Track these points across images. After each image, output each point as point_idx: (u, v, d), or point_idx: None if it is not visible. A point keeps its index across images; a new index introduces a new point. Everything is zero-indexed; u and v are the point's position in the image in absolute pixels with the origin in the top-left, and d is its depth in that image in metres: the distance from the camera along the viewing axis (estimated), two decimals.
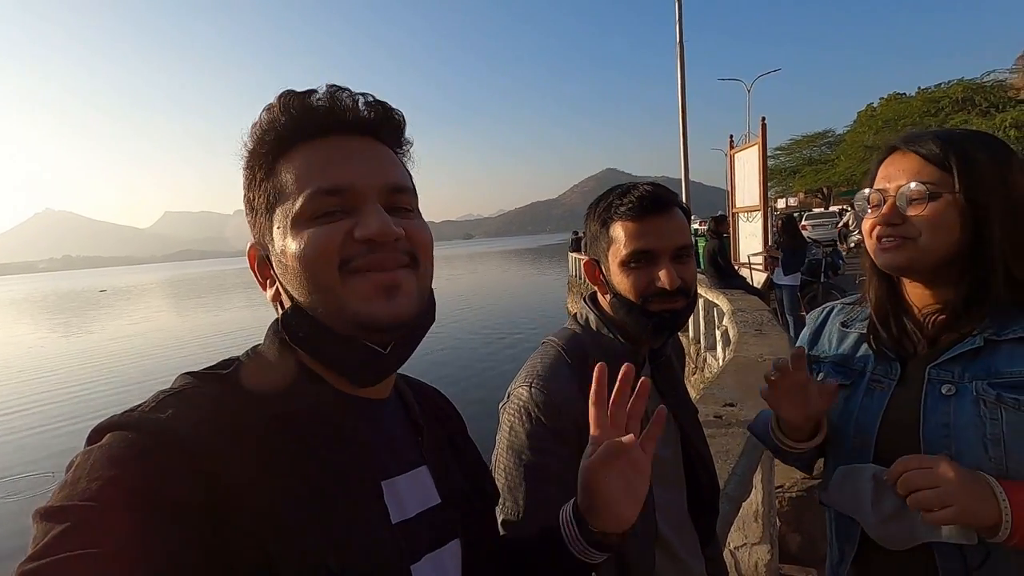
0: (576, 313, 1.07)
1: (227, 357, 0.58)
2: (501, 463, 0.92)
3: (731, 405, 2.66)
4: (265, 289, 0.59)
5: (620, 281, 0.95)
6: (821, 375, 1.07)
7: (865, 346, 1.02)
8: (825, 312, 1.16)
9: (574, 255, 21.63)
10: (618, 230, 0.95)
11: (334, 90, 0.55)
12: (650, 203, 0.93)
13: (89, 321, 33.95)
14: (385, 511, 0.55)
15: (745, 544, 2.43)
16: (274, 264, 0.57)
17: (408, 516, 0.58)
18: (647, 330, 0.95)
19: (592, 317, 1.02)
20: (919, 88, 38.43)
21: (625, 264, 0.94)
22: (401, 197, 0.58)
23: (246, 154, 0.57)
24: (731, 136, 9.61)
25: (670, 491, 1.03)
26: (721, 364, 3.99)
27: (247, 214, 0.59)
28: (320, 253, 0.52)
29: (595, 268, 1.01)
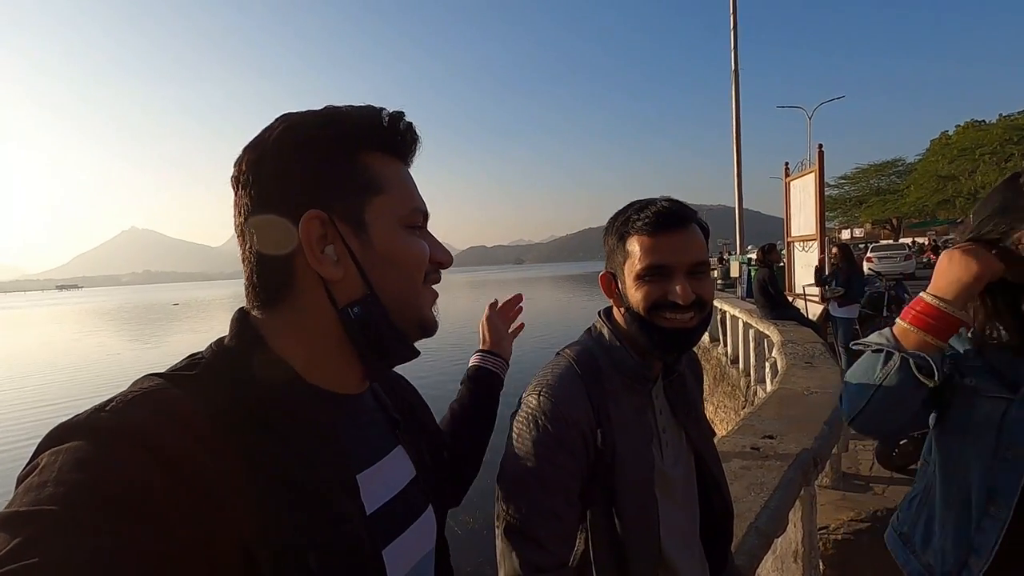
0: (590, 327, 1.08)
1: (190, 354, 0.56)
2: (507, 471, 0.93)
3: (770, 437, 2.56)
4: (319, 253, 0.56)
5: (633, 294, 0.96)
6: (972, 380, 1.05)
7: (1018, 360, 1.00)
8: None
9: None
10: (634, 244, 0.96)
11: (410, 124, 0.62)
12: (667, 218, 0.94)
13: (164, 333, 36.11)
14: (361, 506, 0.56)
15: None
16: (356, 246, 0.57)
17: (386, 499, 0.62)
18: (656, 345, 0.95)
19: (606, 331, 1.03)
20: (1001, 115, 36.07)
21: (640, 278, 0.95)
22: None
23: (334, 129, 0.57)
24: (787, 163, 9.35)
25: (679, 510, 1.01)
26: (765, 395, 3.84)
27: (305, 178, 0.56)
28: (422, 259, 0.61)
29: (611, 281, 1.02)
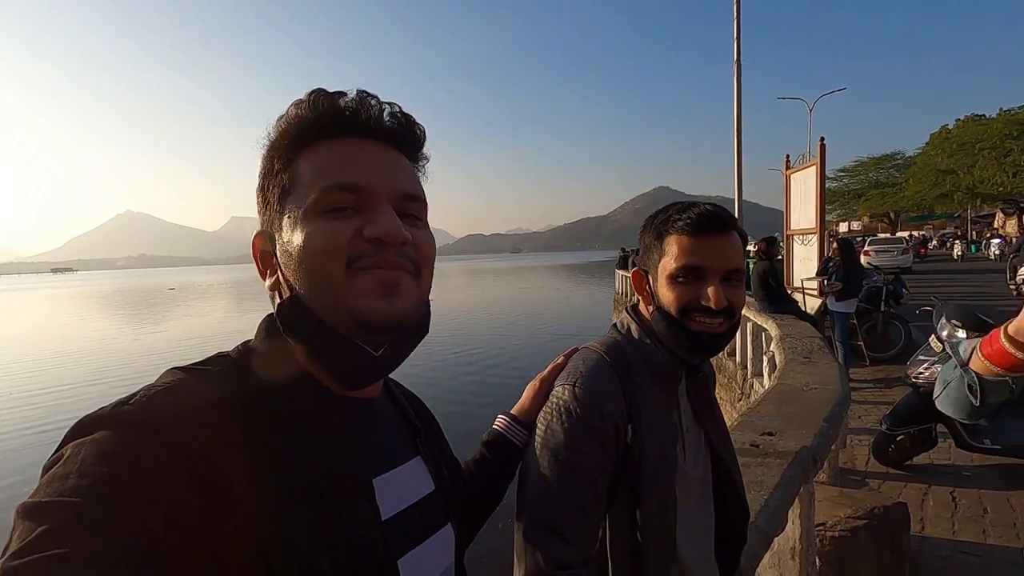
0: (617, 322, 1.07)
1: (217, 352, 0.57)
2: (534, 463, 0.90)
3: (770, 434, 2.55)
4: (265, 278, 0.59)
5: (665, 294, 0.95)
6: None
7: None
8: None
9: (621, 272, 21.35)
10: (672, 243, 0.95)
11: (363, 95, 0.57)
12: (709, 221, 0.93)
13: (161, 318, 36.07)
14: (376, 510, 0.56)
15: None
16: (278, 253, 0.57)
17: (402, 507, 0.61)
18: (684, 347, 0.94)
19: (634, 326, 1.02)
20: (1001, 109, 35.94)
21: (673, 278, 0.94)
22: (413, 205, 0.59)
23: (267, 143, 0.58)
24: (787, 156, 9.30)
25: (697, 513, 1.00)
26: (764, 391, 3.83)
27: (258, 203, 0.60)
28: (329, 245, 0.53)
29: (643, 279, 1.01)
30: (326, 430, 0.55)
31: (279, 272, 0.57)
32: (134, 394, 0.48)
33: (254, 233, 0.60)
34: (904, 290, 7.71)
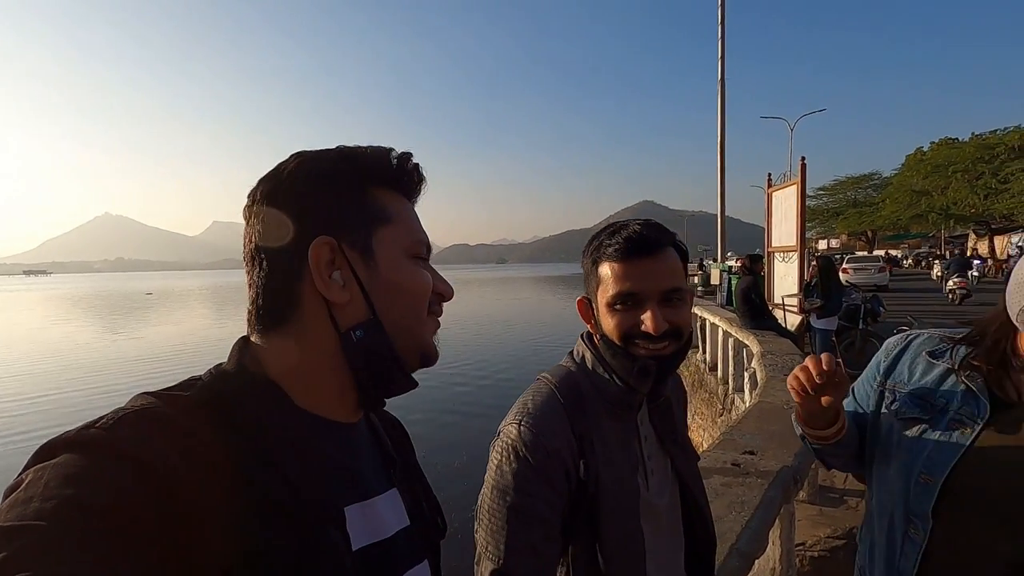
0: (573, 351, 1.05)
1: (189, 376, 0.57)
2: (486, 503, 0.89)
3: (751, 453, 2.55)
4: (327, 277, 0.58)
5: (606, 322, 0.93)
6: (895, 405, 1.09)
7: (952, 381, 1.03)
8: (907, 341, 1.15)
9: None
10: (605, 270, 0.93)
11: (417, 163, 0.65)
12: (637, 245, 0.91)
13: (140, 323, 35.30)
14: (346, 538, 0.55)
15: None
16: (363, 272, 0.59)
17: (375, 539, 0.60)
18: (631, 374, 0.92)
19: (588, 355, 0.99)
20: (973, 133, 37.18)
21: (611, 305, 0.92)
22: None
23: (345, 165, 0.61)
24: (769, 174, 9.46)
25: (665, 541, 0.98)
26: (746, 408, 3.85)
27: (322, 203, 0.59)
28: (426, 288, 0.63)
29: (587, 307, 0.99)
30: (299, 453, 0.54)
31: (359, 288, 0.59)
32: (100, 417, 0.47)
33: (317, 239, 0.58)
34: (881, 308, 7.85)
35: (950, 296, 15.71)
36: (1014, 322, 0.95)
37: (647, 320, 0.89)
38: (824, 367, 0.98)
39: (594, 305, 0.97)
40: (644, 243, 0.91)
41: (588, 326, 1.01)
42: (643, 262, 0.91)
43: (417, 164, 0.65)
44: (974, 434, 0.97)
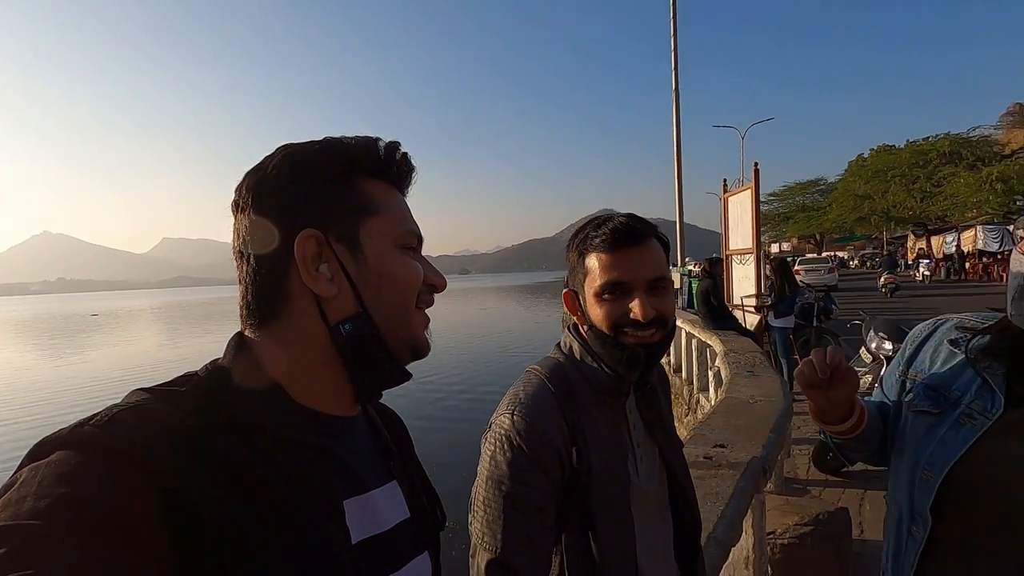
0: (559, 342, 1.07)
1: (184, 372, 0.57)
2: (480, 494, 0.89)
3: (721, 446, 2.62)
4: (313, 271, 0.57)
5: (595, 312, 0.96)
6: (910, 396, 1.05)
7: (969, 373, 0.98)
8: (934, 327, 1.10)
9: None
10: (593, 261, 0.96)
11: (406, 152, 0.65)
12: (624, 235, 0.94)
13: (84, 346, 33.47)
14: (346, 533, 0.55)
15: None
16: (351, 264, 0.58)
17: (375, 532, 0.60)
18: (621, 362, 0.94)
19: (576, 346, 1.02)
20: (908, 140, 39.54)
21: (599, 296, 0.95)
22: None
23: (331, 156, 0.60)
24: (724, 180, 9.81)
25: (655, 527, 1.00)
26: (713, 405, 3.96)
27: (309, 196, 0.58)
28: (416, 279, 0.62)
29: (574, 299, 1.01)
30: (297, 447, 0.54)
31: (346, 279, 0.58)
32: (95, 415, 0.47)
33: (302, 232, 0.57)
34: (834, 306, 8.22)
35: (883, 290, 18.50)
36: (1008, 315, 0.90)
37: (636, 308, 0.92)
38: (828, 361, 0.97)
39: (581, 296, 0.99)
40: (630, 233, 0.94)
41: (575, 318, 1.03)
42: (629, 252, 0.94)
43: (406, 153, 0.64)
44: (983, 430, 0.91)
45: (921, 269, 22.97)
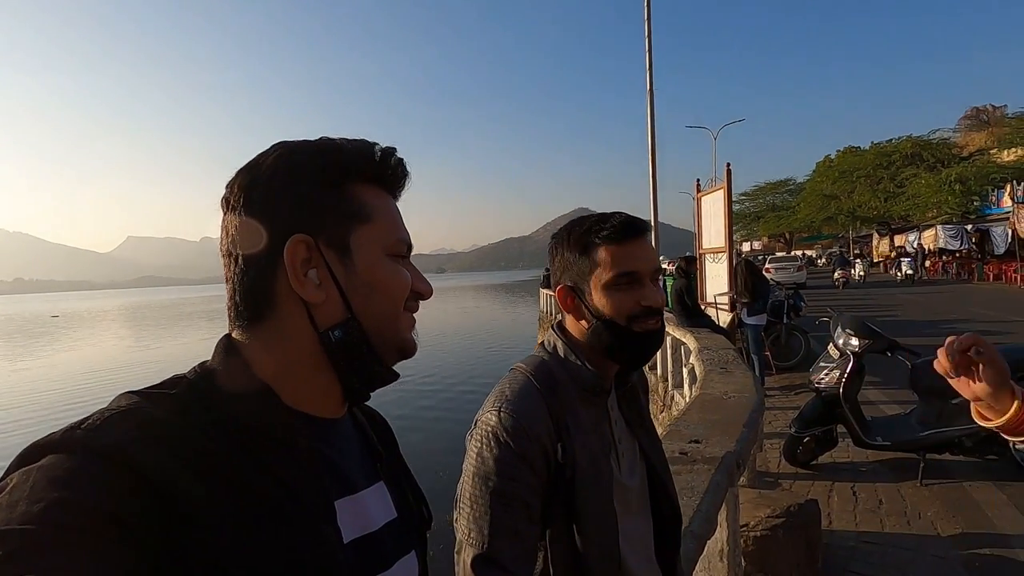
0: (543, 341, 1.08)
1: (174, 375, 0.56)
2: (467, 491, 0.89)
3: (696, 442, 2.67)
4: (302, 276, 0.57)
5: (605, 304, 0.97)
6: None
7: None
8: None
9: (546, 292, 21.79)
10: (602, 254, 0.97)
11: (401, 158, 0.65)
12: (631, 227, 0.98)
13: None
14: (338, 532, 0.55)
15: None
16: (340, 271, 0.58)
17: (365, 532, 0.60)
18: (635, 352, 0.98)
19: (560, 344, 1.03)
20: (872, 142, 40.81)
21: (610, 287, 0.96)
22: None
23: (326, 160, 0.59)
24: (698, 180, 9.96)
25: (637, 522, 1.02)
26: (688, 401, 4.03)
27: (301, 199, 0.58)
28: (404, 287, 0.62)
29: (569, 295, 1.02)
30: (288, 449, 0.54)
31: (335, 286, 0.58)
32: (86, 418, 0.47)
33: (292, 237, 0.57)
34: (802, 303, 8.44)
35: (836, 284, 21.87)
36: None
37: (649, 295, 0.96)
38: (956, 346, 0.93)
39: (586, 291, 0.99)
40: (636, 226, 0.99)
41: (568, 315, 1.04)
42: (637, 243, 0.98)
43: (401, 159, 0.64)
44: None
45: (904, 268, 23.69)
